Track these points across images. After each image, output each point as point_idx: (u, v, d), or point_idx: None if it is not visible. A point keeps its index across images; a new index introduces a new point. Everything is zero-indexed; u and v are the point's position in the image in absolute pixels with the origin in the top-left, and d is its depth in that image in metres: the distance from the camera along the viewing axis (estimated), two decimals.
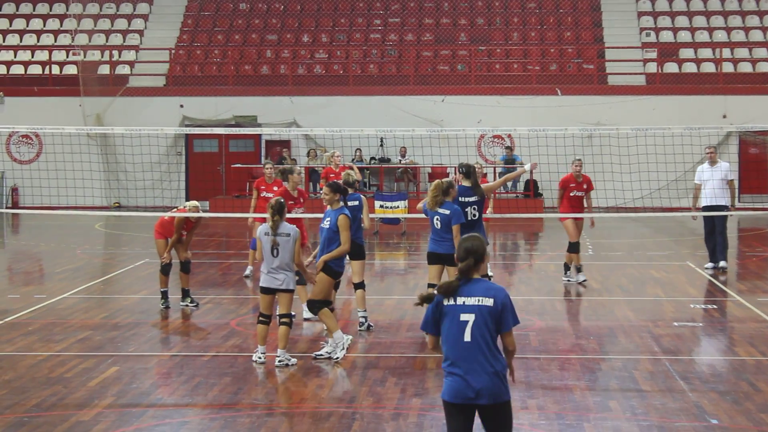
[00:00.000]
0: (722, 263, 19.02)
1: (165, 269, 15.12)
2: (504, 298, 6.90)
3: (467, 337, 6.85)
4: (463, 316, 6.85)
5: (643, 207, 27.72)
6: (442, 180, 13.25)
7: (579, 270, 17.61)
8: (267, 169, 18.05)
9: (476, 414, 6.92)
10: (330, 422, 9.60)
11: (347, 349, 12.12)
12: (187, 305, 15.27)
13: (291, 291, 11.76)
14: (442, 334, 6.93)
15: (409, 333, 13.63)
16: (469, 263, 6.91)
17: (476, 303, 6.85)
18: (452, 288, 6.89)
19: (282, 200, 11.97)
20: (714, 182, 18.72)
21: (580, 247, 17.53)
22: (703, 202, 18.88)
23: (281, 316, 11.78)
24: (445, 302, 6.91)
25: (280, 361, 11.74)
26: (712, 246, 19.10)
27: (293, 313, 11.98)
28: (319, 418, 9.71)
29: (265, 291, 11.76)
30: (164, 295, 15.29)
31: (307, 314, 14.06)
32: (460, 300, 6.88)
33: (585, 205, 17.61)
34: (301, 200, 15.55)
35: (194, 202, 15.41)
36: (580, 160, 17.60)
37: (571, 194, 17.45)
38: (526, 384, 10.84)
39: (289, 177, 15.61)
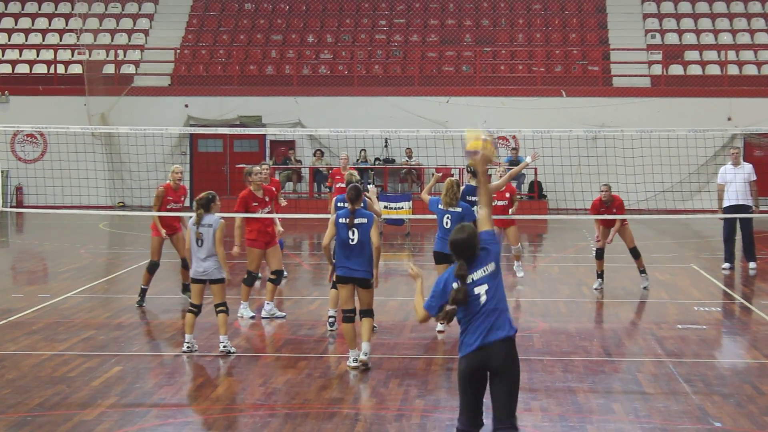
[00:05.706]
0: (752, 264, 19.05)
1: (151, 268, 15.20)
2: (495, 248, 7.30)
3: (482, 301, 7.14)
4: (477, 290, 7.16)
5: (647, 209, 27.67)
6: (454, 178, 13.16)
7: (598, 276, 17.36)
8: (263, 169, 17.44)
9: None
10: (333, 423, 9.59)
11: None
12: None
13: (220, 280, 12.22)
14: (460, 308, 7.17)
15: (413, 334, 13.61)
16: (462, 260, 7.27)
17: (483, 274, 7.21)
18: (461, 296, 7.16)
19: (211, 195, 12.31)
20: (737, 184, 18.77)
21: (603, 254, 17.24)
22: (726, 203, 18.90)
23: (217, 305, 12.29)
24: (455, 286, 7.17)
25: (224, 347, 12.20)
26: (731, 247, 19.19)
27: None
28: (321, 419, 9.71)
29: (195, 281, 12.30)
30: (142, 293, 15.41)
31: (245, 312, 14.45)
32: (469, 278, 7.17)
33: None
34: (267, 200, 14.47)
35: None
36: (607, 185, 16.76)
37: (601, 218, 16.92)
38: (529, 385, 10.85)
39: (247, 178, 14.62)
